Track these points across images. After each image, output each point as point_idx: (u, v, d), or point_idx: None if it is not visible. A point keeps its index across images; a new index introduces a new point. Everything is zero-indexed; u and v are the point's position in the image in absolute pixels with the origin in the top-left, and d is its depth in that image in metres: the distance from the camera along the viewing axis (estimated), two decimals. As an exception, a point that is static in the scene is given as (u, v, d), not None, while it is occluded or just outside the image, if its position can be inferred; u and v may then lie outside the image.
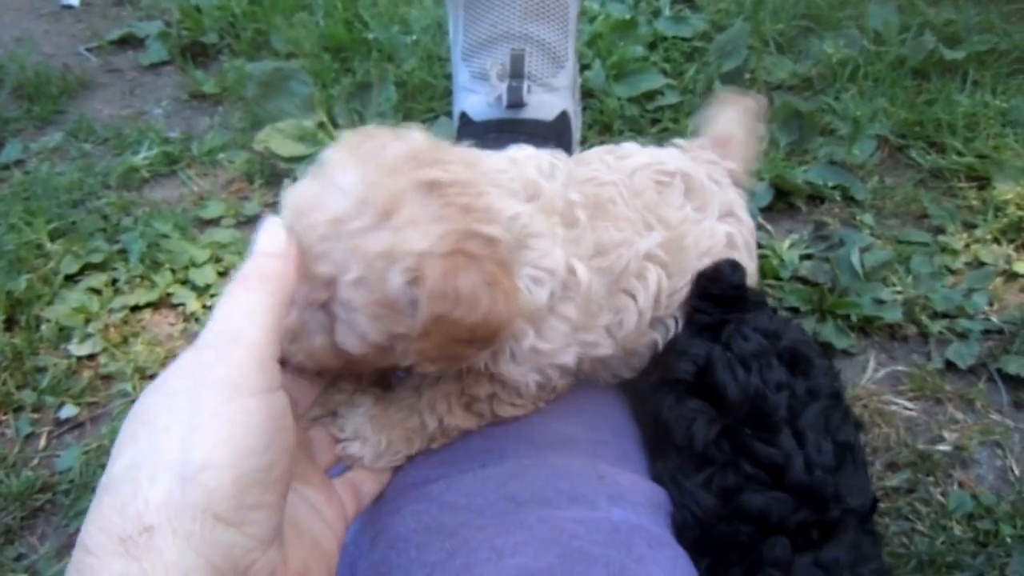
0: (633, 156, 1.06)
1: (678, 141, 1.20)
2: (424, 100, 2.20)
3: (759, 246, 1.80)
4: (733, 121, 1.24)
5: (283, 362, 0.71)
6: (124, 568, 0.52)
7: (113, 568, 0.52)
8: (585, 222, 0.91)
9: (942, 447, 1.48)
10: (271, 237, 0.70)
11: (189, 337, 1.75)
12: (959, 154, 1.96)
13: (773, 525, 0.93)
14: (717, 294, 1.05)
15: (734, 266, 1.06)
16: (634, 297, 0.96)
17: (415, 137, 0.79)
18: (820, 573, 0.90)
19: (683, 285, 1.02)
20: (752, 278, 1.13)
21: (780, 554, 0.91)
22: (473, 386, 0.90)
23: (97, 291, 1.82)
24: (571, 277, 0.87)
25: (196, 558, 0.53)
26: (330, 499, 0.83)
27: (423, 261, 0.70)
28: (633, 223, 0.97)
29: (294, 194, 0.76)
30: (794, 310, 1.71)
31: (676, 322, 1.05)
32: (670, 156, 1.10)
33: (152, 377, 1.68)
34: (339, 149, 0.77)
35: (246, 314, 0.64)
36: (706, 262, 1.04)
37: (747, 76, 2.16)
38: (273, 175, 2.08)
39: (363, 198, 0.71)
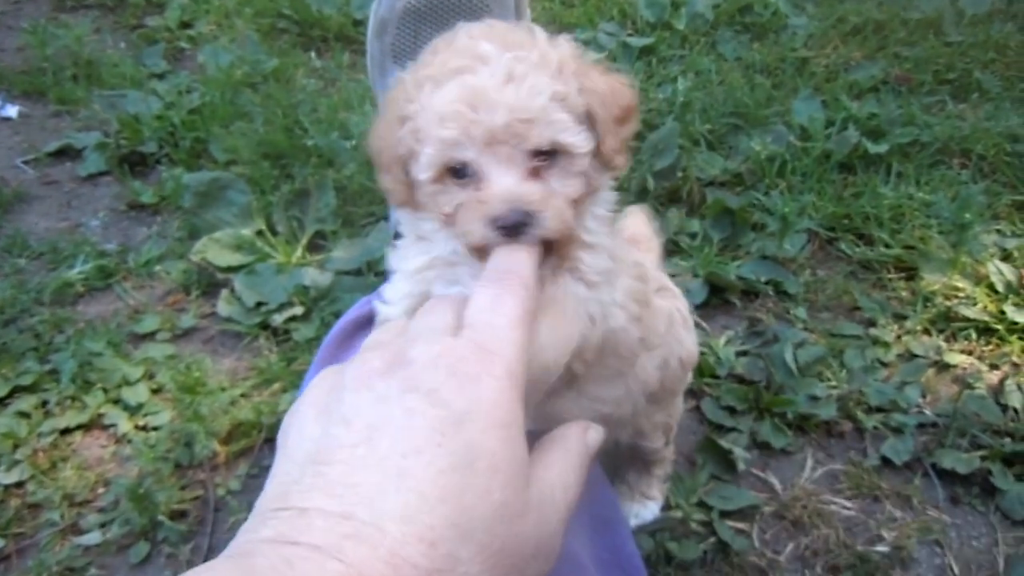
0: None
1: None
2: (364, 204, 2.22)
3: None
4: (642, 224, 1.31)
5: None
6: None
7: None
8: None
9: (881, 547, 1.47)
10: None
11: (120, 460, 1.71)
12: (887, 246, 2.01)
13: None
14: None
15: None
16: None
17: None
18: None
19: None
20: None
21: None
22: None
23: (26, 415, 1.78)
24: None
25: None
26: None
27: (579, 69, 0.79)
28: None
29: (452, 95, 0.74)
30: (731, 409, 1.71)
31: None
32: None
33: (81, 504, 1.64)
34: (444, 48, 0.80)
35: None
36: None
37: (679, 174, 2.20)
38: (210, 285, 2.06)
39: (514, 54, 0.76)
